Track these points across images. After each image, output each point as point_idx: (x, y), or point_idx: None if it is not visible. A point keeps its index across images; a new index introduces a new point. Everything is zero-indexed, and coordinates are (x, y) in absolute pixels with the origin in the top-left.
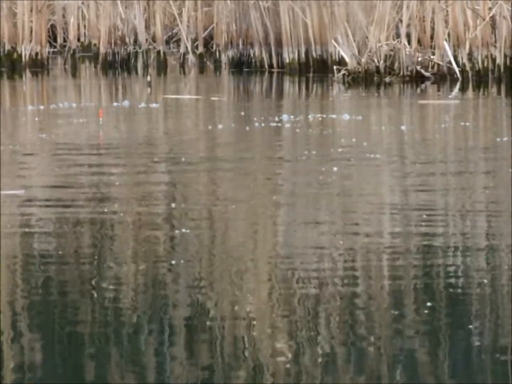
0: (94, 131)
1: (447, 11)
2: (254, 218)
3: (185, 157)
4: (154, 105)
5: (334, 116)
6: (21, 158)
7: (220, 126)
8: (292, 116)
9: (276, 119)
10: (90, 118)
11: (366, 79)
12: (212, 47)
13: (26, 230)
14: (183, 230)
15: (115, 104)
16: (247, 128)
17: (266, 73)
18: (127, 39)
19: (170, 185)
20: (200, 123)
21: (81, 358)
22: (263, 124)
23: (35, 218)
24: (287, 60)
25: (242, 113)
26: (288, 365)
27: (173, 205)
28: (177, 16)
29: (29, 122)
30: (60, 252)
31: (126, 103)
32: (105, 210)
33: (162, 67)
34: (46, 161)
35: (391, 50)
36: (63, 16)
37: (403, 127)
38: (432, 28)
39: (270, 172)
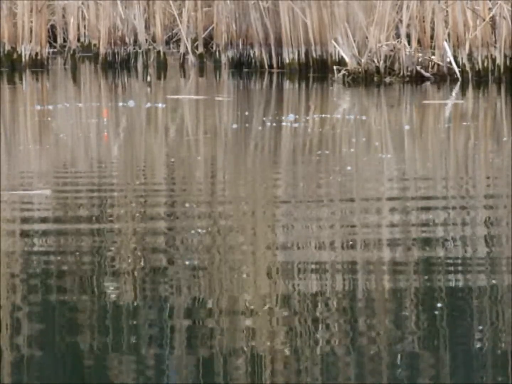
0: (103, 140)
1: (447, 11)
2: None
3: (213, 156)
4: (160, 105)
5: (338, 116)
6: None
7: (234, 126)
8: (297, 116)
9: (284, 118)
10: (97, 119)
11: (366, 79)
12: (212, 47)
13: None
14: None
15: (120, 104)
16: (260, 128)
17: (266, 74)
18: (127, 39)
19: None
20: (214, 123)
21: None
22: (274, 124)
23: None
24: (287, 61)
25: (250, 113)
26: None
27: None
28: (177, 16)
29: (42, 122)
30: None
31: (131, 103)
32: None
33: (162, 67)
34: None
35: (391, 51)
36: (63, 16)
37: (407, 127)
38: (432, 29)
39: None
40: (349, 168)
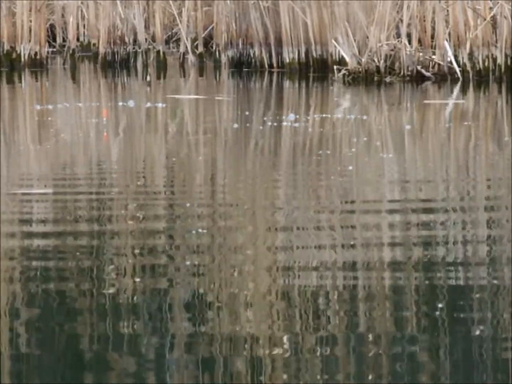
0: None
1: (447, 10)
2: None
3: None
4: (160, 104)
5: (339, 115)
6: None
7: (235, 126)
8: (298, 116)
9: (285, 118)
10: (97, 119)
11: (367, 79)
12: (212, 47)
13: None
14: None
15: (120, 103)
16: (261, 127)
17: (266, 73)
18: (126, 39)
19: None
20: (215, 123)
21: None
22: (275, 124)
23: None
24: (287, 60)
25: (250, 113)
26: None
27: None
28: (176, 16)
29: (42, 122)
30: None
31: (131, 102)
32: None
33: (161, 67)
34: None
35: (392, 50)
36: (62, 15)
37: (408, 126)
38: (433, 28)
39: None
40: (350, 168)
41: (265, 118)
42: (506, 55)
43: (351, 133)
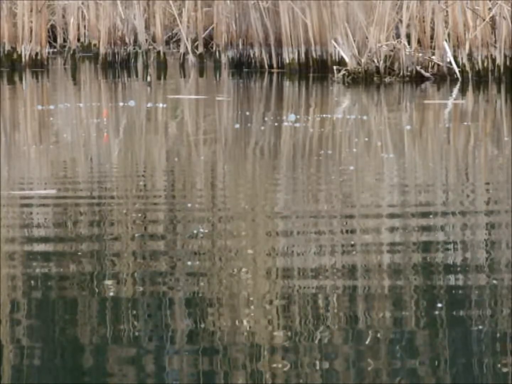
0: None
1: (447, 11)
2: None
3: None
4: (160, 105)
5: (339, 116)
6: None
7: (237, 126)
8: (298, 116)
9: (285, 118)
10: (98, 119)
11: (366, 79)
12: (212, 48)
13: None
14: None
15: (120, 104)
16: (262, 128)
17: (266, 74)
18: (127, 40)
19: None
20: (216, 123)
21: None
22: (276, 124)
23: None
24: (287, 61)
25: (251, 113)
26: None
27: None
28: (177, 17)
29: (43, 122)
30: None
31: (131, 103)
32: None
33: (162, 67)
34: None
35: (391, 51)
36: (63, 16)
37: (408, 127)
38: (432, 29)
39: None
40: (351, 168)
41: (265, 119)
42: (505, 56)
43: (352, 133)
